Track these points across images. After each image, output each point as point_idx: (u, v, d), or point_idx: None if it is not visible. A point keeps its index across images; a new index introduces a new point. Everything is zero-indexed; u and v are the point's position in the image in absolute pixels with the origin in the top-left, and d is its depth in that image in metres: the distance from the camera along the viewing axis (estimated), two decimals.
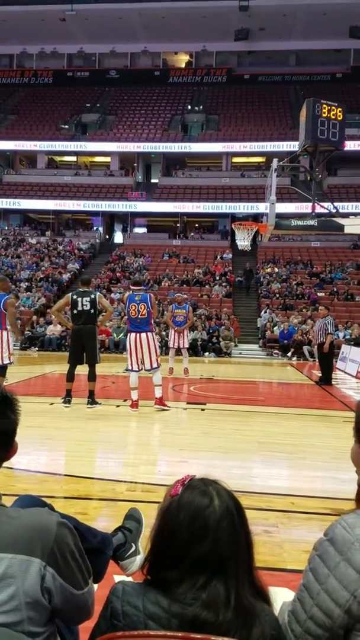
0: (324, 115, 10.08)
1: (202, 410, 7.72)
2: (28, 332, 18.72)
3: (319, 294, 22.23)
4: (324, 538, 1.18)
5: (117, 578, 2.55)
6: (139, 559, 2.24)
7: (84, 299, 7.46)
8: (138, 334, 7.36)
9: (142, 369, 7.44)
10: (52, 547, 1.13)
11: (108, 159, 35.41)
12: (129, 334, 7.55)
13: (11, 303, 7.64)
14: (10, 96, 39.76)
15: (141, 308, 7.38)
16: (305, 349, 17.79)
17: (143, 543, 2.19)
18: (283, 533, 3.36)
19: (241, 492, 4.05)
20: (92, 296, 7.53)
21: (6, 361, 7.59)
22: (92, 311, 7.45)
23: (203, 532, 1.11)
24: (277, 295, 22.42)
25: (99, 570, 2.10)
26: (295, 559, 3.00)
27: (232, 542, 1.12)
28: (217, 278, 24.04)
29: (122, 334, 17.76)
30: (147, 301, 7.45)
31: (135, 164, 35.00)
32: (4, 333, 7.56)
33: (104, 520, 3.50)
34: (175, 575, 1.12)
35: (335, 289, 22.59)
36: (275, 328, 19.46)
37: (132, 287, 7.84)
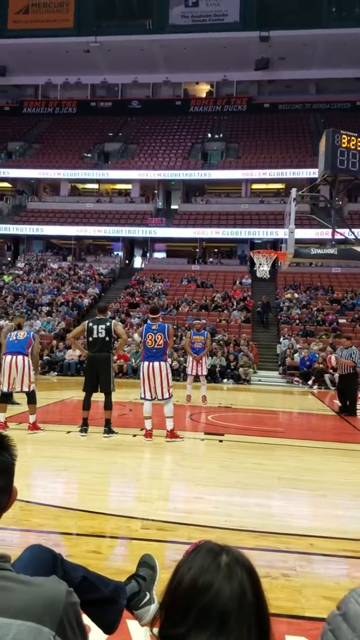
0: (344, 145, 10.12)
1: (220, 441, 7.60)
2: (47, 357, 18.83)
3: (341, 321, 21.95)
4: (337, 612, 1.13)
5: (130, 623, 2.48)
6: (153, 608, 2.18)
7: (100, 326, 7.48)
8: (151, 363, 7.29)
9: (155, 398, 7.36)
10: (61, 616, 1.12)
11: (129, 186, 35.98)
12: (142, 363, 7.46)
13: (37, 337, 8.15)
14: (35, 125, 40.87)
15: (158, 338, 7.31)
16: (327, 377, 17.41)
17: (157, 590, 2.12)
18: (302, 577, 3.24)
19: (259, 532, 3.95)
20: (108, 324, 7.53)
21: (25, 389, 7.65)
22: (107, 339, 7.44)
23: (206, 587, 1.08)
24: (297, 321, 22.19)
25: (112, 620, 2.04)
26: (313, 606, 2.88)
27: (237, 600, 1.08)
28: (236, 303, 23.99)
29: (139, 360, 17.74)
30: (165, 331, 7.37)
31: (155, 191, 35.48)
32: (26, 359, 7.66)
33: (118, 559, 3.42)
34: (182, 630, 1.08)
35: (357, 316, 22.32)
36: (296, 355, 19.10)
37: (150, 316, 7.74)
